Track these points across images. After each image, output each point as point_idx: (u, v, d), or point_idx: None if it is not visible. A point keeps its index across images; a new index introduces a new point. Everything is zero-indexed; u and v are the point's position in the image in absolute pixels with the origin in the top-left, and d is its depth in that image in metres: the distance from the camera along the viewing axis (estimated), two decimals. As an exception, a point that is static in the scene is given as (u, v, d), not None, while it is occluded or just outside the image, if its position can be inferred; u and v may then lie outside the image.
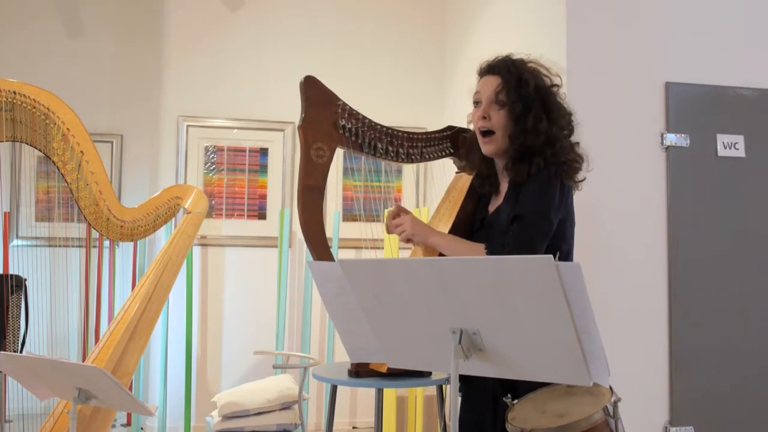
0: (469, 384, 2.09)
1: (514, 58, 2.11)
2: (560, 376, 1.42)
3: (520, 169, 1.99)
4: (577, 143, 2.07)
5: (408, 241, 2.14)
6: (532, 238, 1.93)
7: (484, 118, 2.05)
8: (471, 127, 2.22)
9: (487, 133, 2.07)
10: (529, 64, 2.09)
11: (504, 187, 2.12)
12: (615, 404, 1.66)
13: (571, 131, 2.06)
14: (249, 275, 4.91)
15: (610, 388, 1.73)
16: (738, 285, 3.34)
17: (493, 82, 2.07)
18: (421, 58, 5.21)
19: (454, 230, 2.22)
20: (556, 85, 2.08)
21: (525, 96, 2.01)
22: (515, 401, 1.76)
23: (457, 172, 2.43)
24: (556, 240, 2.00)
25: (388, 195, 5.10)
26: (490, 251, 1.98)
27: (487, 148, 2.08)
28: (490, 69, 2.11)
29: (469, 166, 2.29)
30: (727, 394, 3.28)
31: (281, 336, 4.77)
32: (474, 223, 2.21)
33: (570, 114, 2.08)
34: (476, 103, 2.11)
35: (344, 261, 1.49)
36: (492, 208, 2.13)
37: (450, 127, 2.40)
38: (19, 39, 5.12)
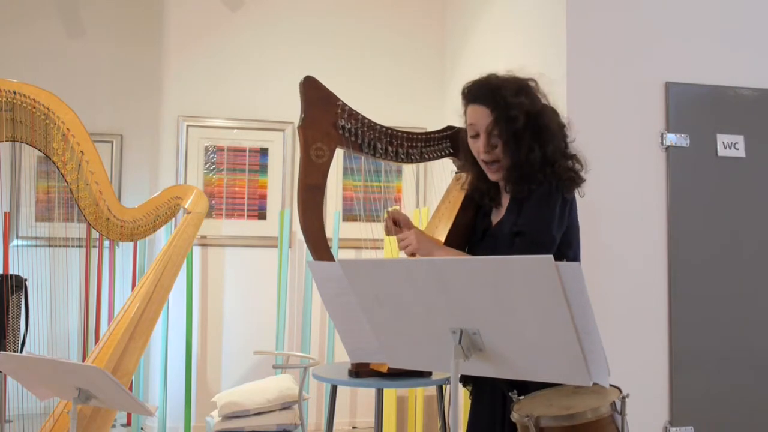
0: (478, 384, 2.08)
1: (496, 83, 2.05)
2: (560, 376, 1.42)
3: (521, 188, 1.99)
4: (574, 155, 2.06)
5: (412, 255, 2.11)
6: (535, 253, 1.93)
7: (488, 152, 2.03)
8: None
9: (493, 162, 2.06)
10: (515, 85, 2.04)
11: (505, 199, 2.11)
12: (623, 400, 1.67)
13: (566, 145, 2.05)
14: (249, 275, 4.91)
15: (618, 389, 1.73)
16: (738, 285, 3.34)
17: (484, 115, 2.02)
18: (421, 58, 5.21)
19: (453, 230, 2.22)
20: (545, 105, 2.05)
21: (515, 130, 1.99)
22: (521, 397, 1.77)
23: (456, 172, 2.42)
24: (562, 247, 2.01)
25: (388, 195, 5.10)
26: None
27: (495, 176, 2.07)
28: (477, 99, 2.05)
29: (469, 167, 2.29)
30: (727, 394, 3.28)
31: (281, 336, 4.77)
32: (475, 226, 2.20)
33: (563, 127, 2.06)
34: (474, 135, 2.07)
35: (344, 261, 1.49)
36: (495, 218, 2.13)
37: (450, 127, 2.40)
38: (19, 39, 5.12)
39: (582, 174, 2.04)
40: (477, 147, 2.06)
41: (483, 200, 2.16)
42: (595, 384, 1.73)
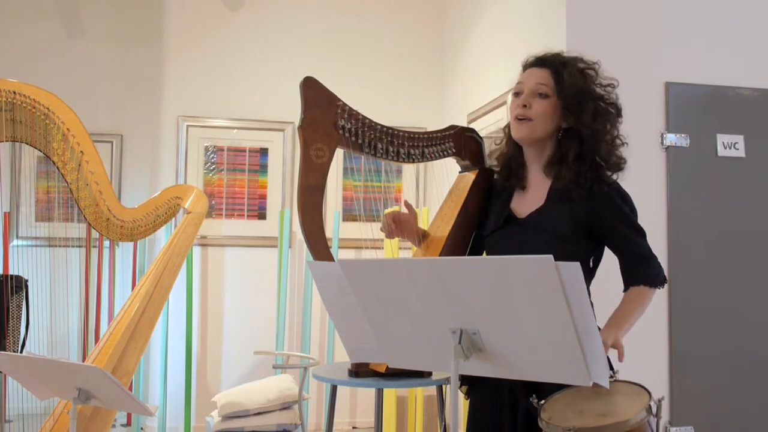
0: (478, 384, 2.06)
1: (569, 57, 2.08)
2: (560, 376, 1.42)
3: (565, 176, 1.97)
4: (623, 144, 2.07)
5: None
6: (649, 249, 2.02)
7: (524, 106, 2.01)
8: (472, 126, 2.19)
9: (524, 120, 2.02)
10: (583, 67, 2.07)
11: (535, 183, 2.06)
12: (659, 402, 1.64)
13: (614, 134, 2.05)
14: (249, 275, 4.91)
15: (644, 387, 1.72)
16: (738, 285, 3.34)
17: (538, 73, 2.03)
18: (421, 58, 5.21)
19: (455, 229, 2.21)
20: (612, 85, 2.06)
21: (574, 88, 1.99)
22: (542, 402, 1.71)
23: (460, 172, 2.42)
24: (600, 249, 2.05)
25: (388, 195, 5.10)
26: (648, 281, 1.98)
27: (520, 130, 2.02)
28: (538, 62, 2.07)
29: (472, 166, 2.29)
30: (727, 394, 3.28)
31: (281, 336, 4.77)
32: (487, 217, 2.15)
33: (615, 115, 2.05)
34: (517, 93, 2.06)
35: (344, 261, 1.49)
36: (522, 206, 2.06)
37: (452, 127, 2.38)
38: (19, 39, 5.12)
39: (622, 165, 2.06)
40: (516, 103, 2.04)
41: (508, 180, 2.11)
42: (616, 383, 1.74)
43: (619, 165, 2.05)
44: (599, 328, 1.93)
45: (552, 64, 2.04)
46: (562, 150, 2.00)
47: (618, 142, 2.07)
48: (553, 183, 2.01)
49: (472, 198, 2.25)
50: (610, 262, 2.05)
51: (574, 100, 1.98)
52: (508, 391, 1.95)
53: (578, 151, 1.98)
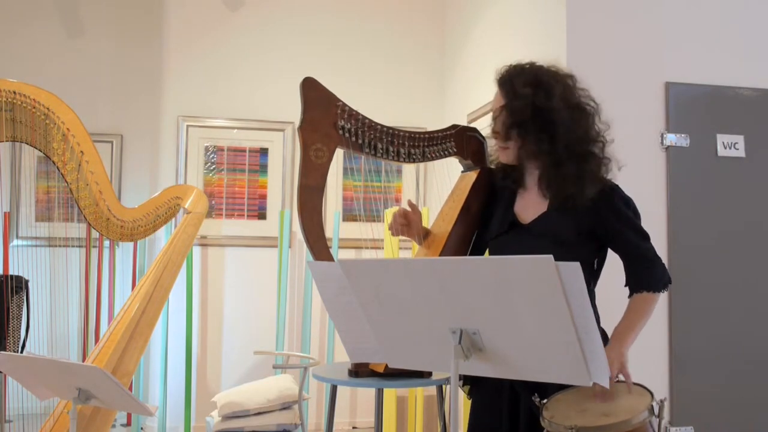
0: (480, 384, 2.06)
1: (516, 71, 2.05)
2: (560, 376, 1.42)
3: (560, 190, 1.97)
4: (611, 141, 2.05)
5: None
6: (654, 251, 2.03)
7: (497, 133, 2.04)
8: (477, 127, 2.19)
9: (502, 147, 2.06)
10: (533, 77, 2.01)
11: (534, 185, 2.06)
12: (662, 403, 1.64)
13: (591, 144, 2.02)
14: (249, 275, 4.91)
15: (645, 387, 1.72)
16: (738, 285, 3.34)
17: (498, 99, 2.05)
18: (421, 58, 5.21)
19: (456, 229, 2.21)
20: (584, 89, 2.05)
21: (518, 120, 1.98)
22: (545, 401, 1.72)
23: (462, 171, 2.41)
24: (604, 251, 2.05)
25: (388, 195, 5.10)
26: (651, 285, 1.98)
27: (503, 158, 2.08)
28: (497, 83, 2.07)
29: (474, 165, 2.30)
30: (727, 394, 3.28)
31: (281, 336, 4.77)
32: (490, 219, 2.15)
33: (589, 127, 2.02)
34: (494, 118, 2.08)
35: (344, 261, 1.49)
36: (525, 211, 2.05)
37: (453, 126, 2.38)
38: (19, 39, 5.12)
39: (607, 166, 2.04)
40: (491, 129, 2.07)
41: (506, 180, 2.12)
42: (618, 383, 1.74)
43: (601, 166, 2.02)
44: (605, 334, 1.94)
45: (504, 83, 2.03)
46: (548, 165, 1.99)
47: (601, 139, 2.04)
48: (551, 200, 2.01)
49: (473, 198, 2.25)
50: (613, 264, 2.05)
51: (524, 117, 1.97)
52: (509, 390, 1.95)
53: (561, 163, 1.97)
